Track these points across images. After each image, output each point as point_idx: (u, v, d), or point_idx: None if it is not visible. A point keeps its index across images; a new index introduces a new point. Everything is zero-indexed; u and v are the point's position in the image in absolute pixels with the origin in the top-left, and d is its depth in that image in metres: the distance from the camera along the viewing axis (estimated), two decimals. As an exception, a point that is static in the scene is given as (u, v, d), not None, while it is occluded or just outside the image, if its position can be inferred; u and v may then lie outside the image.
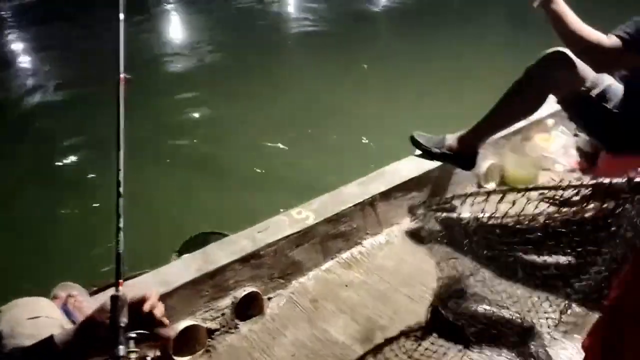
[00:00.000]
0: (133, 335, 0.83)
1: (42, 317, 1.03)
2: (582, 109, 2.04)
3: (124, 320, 0.83)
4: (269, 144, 3.82)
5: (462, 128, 2.38)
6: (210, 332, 1.82)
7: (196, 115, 4.32)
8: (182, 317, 1.76)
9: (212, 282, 1.80)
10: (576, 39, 1.82)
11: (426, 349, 1.74)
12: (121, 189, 0.94)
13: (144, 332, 0.85)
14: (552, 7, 1.82)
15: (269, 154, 3.70)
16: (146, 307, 0.86)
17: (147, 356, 0.87)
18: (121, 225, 0.91)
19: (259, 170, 3.51)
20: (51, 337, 0.87)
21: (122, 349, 0.80)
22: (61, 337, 0.87)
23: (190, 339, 1.76)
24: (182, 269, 1.78)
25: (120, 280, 0.87)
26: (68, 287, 1.49)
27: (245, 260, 1.87)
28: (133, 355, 0.81)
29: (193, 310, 1.79)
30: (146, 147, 3.65)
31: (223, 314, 1.84)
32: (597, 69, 1.91)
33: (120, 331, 0.82)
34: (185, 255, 1.88)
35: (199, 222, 2.55)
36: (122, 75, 1.04)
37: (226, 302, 1.86)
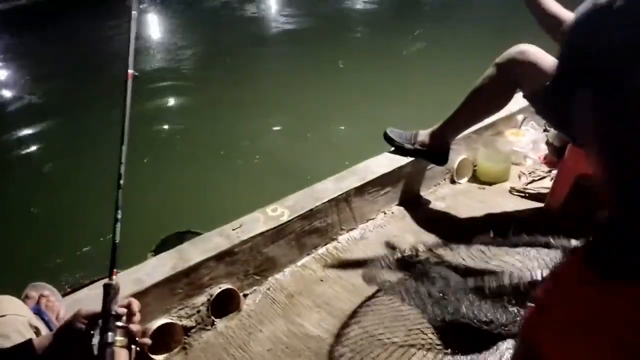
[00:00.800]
0: (121, 324, 0.87)
1: (9, 315, 1.03)
2: (548, 103, 2.09)
3: (115, 308, 0.85)
4: (243, 143, 3.82)
5: (435, 123, 2.43)
6: (186, 330, 1.82)
7: (171, 113, 4.32)
8: (157, 315, 1.76)
9: (187, 279, 1.81)
10: (552, 19, 1.84)
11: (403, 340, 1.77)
12: (122, 182, 0.98)
13: (125, 325, 0.87)
14: None
15: (242, 152, 3.70)
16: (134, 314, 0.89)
17: (132, 345, 0.88)
18: (119, 216, 0.95)
19: (233, 169, 3.52)
20: (30, 341, 0.87)
21: (110, 336, 0.83)
22: (39, 342, 0.88)
23: (165, 336, 1.77)
24: (157, 268, 1.77)
25: (115, 270, 0.89)
26: (39, 287, 1.48)
27: (220, 257, 1.88)
28: (119, 343, 0.85)
29: (168, 308, 1.79)
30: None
31: (199, 311, 1.85)
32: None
33: (111, 318, 0.84)
34: (160, 254, 1.88)
35: (174, 221, 2.54)
36: (129, 71, 1.08)
37: (201, 299, 1.86)
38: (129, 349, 0.86)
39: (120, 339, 0.85)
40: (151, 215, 2.90)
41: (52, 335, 0.89)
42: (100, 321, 0.86)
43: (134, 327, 0.90)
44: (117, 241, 0.95)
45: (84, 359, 0.87)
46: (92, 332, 0.85)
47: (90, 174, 3.33)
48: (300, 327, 1.87)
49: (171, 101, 4.57)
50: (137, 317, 0.92)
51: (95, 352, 0.82)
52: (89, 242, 2.69)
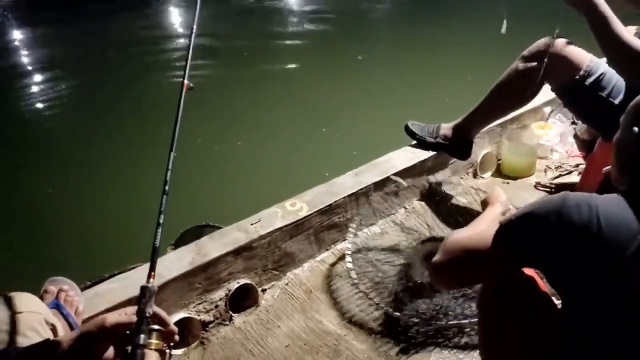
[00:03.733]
0: (156, 327, 0.87)
1: (25, 312, 1.03)
2: (577, 96, 2.02)
3: (149, 310, 0.85)
4: (261, 136, 3.80)
5: (457, 117, 2.38)
6: (204, 324, 1.82)
7: (186, 105, 4.32)
8: (175, 310, 1.76)
9: (205, 274, 1.80)
10: (622, 48, 1.68)
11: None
12: (167, 187, 1.00)
13: (161, 328, 0.89)
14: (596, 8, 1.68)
15: (262, 146, 3.68)
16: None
17: (165, 347, 0.88)
18: (161, 221, 0.96)
19: (252, 163, 3.50)
20: (46, 342, 0.87)
21: (142, 338, 0.83)
22: (56, 344, 0.87)
23: (184, 331, 1.77)
24: (175, 262, 1.77)
25: (153, 273, 0.90)
26: (58, 282, 1.49)
27: (238, 252, 1.87)
28: (153, 346, 0.85)
29: (186, 303, 1.79)
30: (141, 140, 3.66)
31: (217, 306, 1.84)
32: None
33: (144, 321, 0.84)
34: (178, 249, 1.88)
35: (194, 215, 2.54)
36: (185, 82, 1.11)
37: (220, 294, 1.86)
38: (161, 353, 0.86)
39: (153, 341, 0.85)
40: (172, 208, 2.90)
41: (70, 341, 0.88)
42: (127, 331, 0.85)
43: (171, 328, 0.89)
44: (157, 245, 0.95)
45: None
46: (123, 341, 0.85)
47: (115, 172, 3.36)
48: (319, 324, 1.85)
49: (188, 95, 4.57)
50: (172, 326, 0.91)
51: (127, 353, 0.82)
52: (108, 236, 2.71)
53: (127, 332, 0.85)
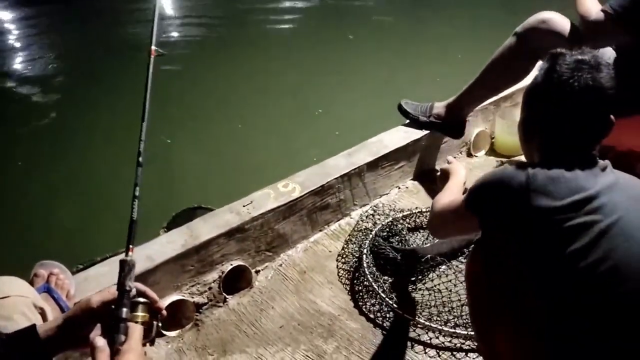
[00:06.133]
0: (141, 300, 0.86)
1: (12, 296, 1.02)
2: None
3: (129, 284, 0.85)
4: (253, 118, 3.77)
5: (450, 95, 2.36)
6: (198, 306, 1.81)
7: (179, 88, 4.26)
8: (168, 292, 1.76)
9: (198, 256, 1.79)
10: (579, 8, 1.83)
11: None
12: (141, 159, 0.98)
13: (147, 301, 0.88)
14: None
15: (255, 127, 3.65)
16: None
17: (154, 321, 0.87)
18: (137, 193, 0.95)
19: (244, 144, 3.48)
20: (33, 327, 0.86)
21: (124, 312, 0.82)
22: (44, 328, 0.86)
23: (177, 313, 1.77)
24: (167, 245, 1.76)
25: (131, 246, 0.88)
26: (48, 265, 1.48)
27: (230, 234, 1.86)
28: (139, 319, 0.84)
29: (179, 285, 1.78)
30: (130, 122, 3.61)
31: (210, 288, 1.84)
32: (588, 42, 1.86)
33: (126, 295, 0.84)
34: (170, 231, 1.87)
35: (186, 197, 2.53)
36: (153, 48, 1.07)
37: (213, 276, 1.85)
38: (145, 325, 0.85)
39: (139, 314, 0.84)
40: (164, 190, 2.89)
41: (57, 325, 0.87)
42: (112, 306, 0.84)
43: (158, 305, 0.88)
44: (134, 218, 0.93)
45: (86, 344, 0.86)
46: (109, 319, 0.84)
47: (104, 150, 3.33)
48: (313, 304, 1.85)
49: (181, 77, 4.51)
50: (157, 299, 0.90)
51: (112, 326, 0.81)
52: (100, 219, 2.69)
53: (112, 307, 0.84)
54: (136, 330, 0.81)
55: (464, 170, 1.59)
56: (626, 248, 0.97)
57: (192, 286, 1.81)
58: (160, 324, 0.89)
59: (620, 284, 0.96)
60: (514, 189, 1.05)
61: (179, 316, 1.77)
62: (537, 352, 1.03)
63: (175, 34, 5.73)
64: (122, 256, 0.88)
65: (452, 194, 1.42)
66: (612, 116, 1.12)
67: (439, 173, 1.67)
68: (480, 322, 1.25)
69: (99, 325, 0.86)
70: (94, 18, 6.00)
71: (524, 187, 1.03)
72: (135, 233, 0.93)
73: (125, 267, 0.86)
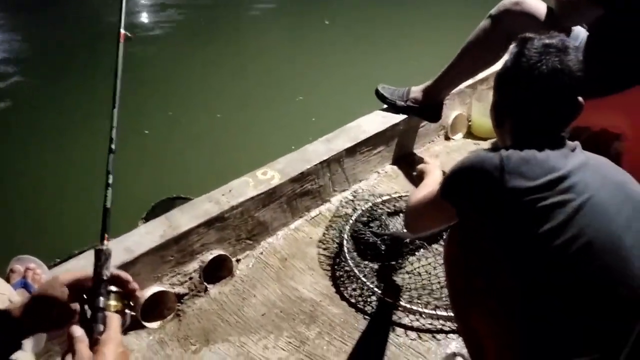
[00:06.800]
0: (114, 289, 0.85)
1: (-14, 292, 1.00)
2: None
3: (106, 273, 0.84)
4: (228, 106, 3.73)
5: (427, 79, 2.36)
6: (179, 297, 1.81)
7: (155, 75, 4.20)
8: (148, 284, 1.74)
9: (177, 247, 1.78)
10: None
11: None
12: (113, 146, 0.96)
13: (119, 290, 0.86)
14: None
15: (231, 116, 3.62)
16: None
17: (127, 310, 0.86)
18: (110, 181, 0.93)
19: (222, 133, 3.45)
20: (3, 311, 0.84)
21: (102, 301, 0.81)
22: (11, 311, 0.85)
23: (159, 304, 1.76)
24: (145, 236, 1.74)
25: (106, 235, 0.87)
26: (25, 260, 1.45)
27: (210, 223, 1.85)
28: (112, 308, 0.83)
29: (159, 276, 1.77)
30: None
31: (191, 278, 1.83)
32: (562, 21, 1.88)
33: (102, 284, 0.83)
34: (148, 222, 1.85)
35: (164, 188, 2.50)
36: (122, 32, 1.03)
37: (193, 266, 1.84)
38: (122, 314, 0.84)
39: (112, 303, 0.83)
40: (142, 182, 2.85)
41: (24, 305, 0.85)
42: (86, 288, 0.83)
43: (132, 286, 0.87)
44: (107, 206, 0.92)
45: (58, 326, 0.85)
46: (81, 299, 0.83)
47: (78, 139, 3.27)
48: (294, 291, 1.86)
49: (157, 64, 4.44)
50: (133, 283, 0.89)
51: (88, 316, 0.80)
52: (76, 212, 2.65)
53: (85, 296, 0.83)
54: (115, 320, 0.80)
55: (440, 170, 1.60)
56: (598, 225, 0.99)
57: (173, 277, 1.80)
58: (133, 313, 0.88)
59: (592, 260, 0.98)
60: (488, 172, 1.06)
61: (160, 307, 1.76)
62: (511, 331, 1.05)
63: (149, 20, 5.64)
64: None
65: (427, 189, 1.41)
66: (580, 98, 1.14)
67: (415, 173, 1.67)
68: (459, 304, 1.27)
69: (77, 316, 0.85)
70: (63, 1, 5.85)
71: (499, 169, 1.05)
72: (110, 222, 0.91)
73: (102, 256, 0.85)
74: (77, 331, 0.76)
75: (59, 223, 2.62)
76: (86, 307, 0.82)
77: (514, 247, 1.04)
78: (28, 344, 1.11)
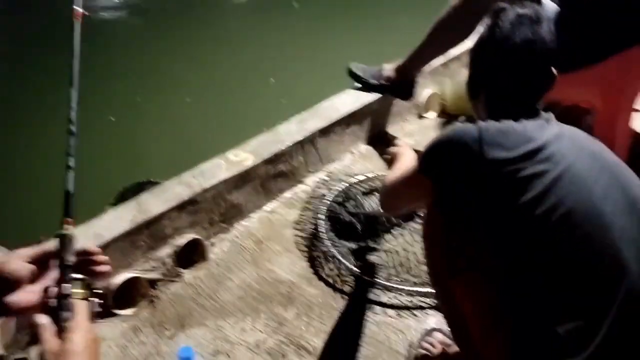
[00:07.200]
0: (79, 276, 0.79)
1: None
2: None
3: (71, 259, 0.79)
4: (199, 88, 3.66)
5: (400, 57, 2.34)
6: (152, 283, 1.76)
7: (124, 58, 4.08)
8: (120, 271, 1.69)
9: (149, 231, 1.73)
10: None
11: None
12: (73, 128, 0.90)
13: (84, 277, 0.81)
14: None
15: (200, 100, 3.55)
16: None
17: (93, 298, 0.82)
18: (71, 164, 0.87)
19: (193, 114, 3.38)
20: None
21: (67, 287, 0.77)
22: None
23: (132, 291, 1.71)
24: (115, 221, 1.69)
25: (69, 219, 0.82)
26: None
27: (181, 207, 1.80)
28: (79, 295, 0.77)
29: (131, 262, 1.72)
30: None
31: (164, 263, 1.78)
32: None
33: (67, 270, 0.78)
34: (117, 207, 1.79)
35: (134, 171, 2.44)
36: (76, 9, 0.96)
37: (166, 251, 1.80)
38: (89, 302, 0.80)
39: (79, 290, 0.79)
40: (110, 167, 2.77)
41: None
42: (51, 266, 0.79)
43: (103, 268, 0.83)
44: (69, 189, 0.87)
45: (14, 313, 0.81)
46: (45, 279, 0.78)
47: (40, 129, 3.15)
48: (271, 273, 1.83)
49: (124, 44, 4.31)
50: (102, 257, 0.84)
51: (54, 304, 0.76)
52: (39, 199, 2.56)
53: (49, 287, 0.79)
54: (82, 306, 0.76)
55: (412, 150, 1.58)
56: (578, 195, 0.99)
57: (145, 262, 1.76)
58: (101, 301, 0.84)
59: (573, 229, 0.98)
60: (467, 144, 1.05)
61: (133, 294, 1.72)
62: (495, 309, 1.04)
63: (116, 2, 5.47)
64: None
65: (401, 168, 1.40)
66: (554, 69, 1.13)
67: (388, 156, 1.65)
68: (440, 284, 1.25)
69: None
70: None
71: (478, 141, 1.04)
72: (73, 206, 0.87)
73: (65, 241, 0.81)
74: (42, 319, 0.72)
75: (23, 210, 2.53)
76: (50, 290, 0.78)
77: (495, 221, 1.03)
78: None
